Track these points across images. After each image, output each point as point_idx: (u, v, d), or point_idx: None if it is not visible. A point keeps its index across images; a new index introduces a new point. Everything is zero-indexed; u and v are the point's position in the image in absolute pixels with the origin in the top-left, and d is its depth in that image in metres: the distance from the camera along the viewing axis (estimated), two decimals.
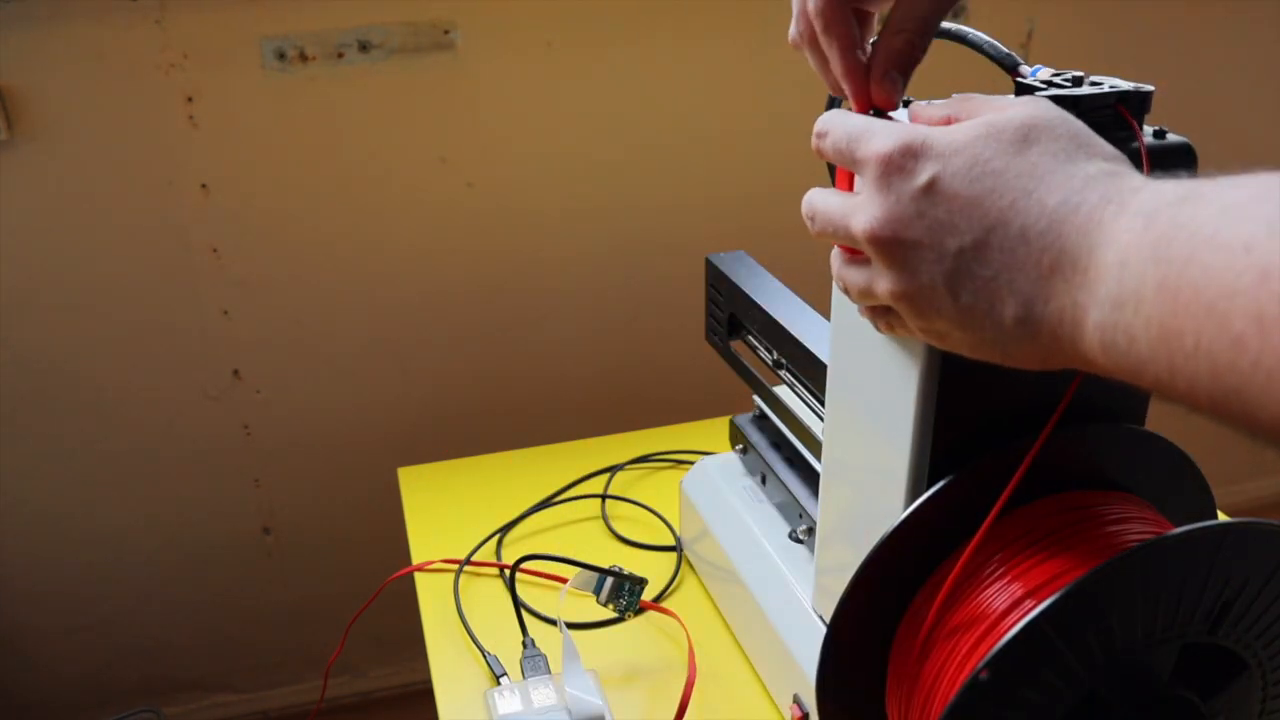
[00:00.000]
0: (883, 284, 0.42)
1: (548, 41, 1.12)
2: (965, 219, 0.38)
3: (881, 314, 0.46)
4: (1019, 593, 0.45)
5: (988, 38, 0.49)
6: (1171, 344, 0.31)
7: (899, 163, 0.39)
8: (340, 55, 1.06)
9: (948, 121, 0.42)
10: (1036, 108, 0.40)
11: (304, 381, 1.21)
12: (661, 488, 0.97)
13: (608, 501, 0.96)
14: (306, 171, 1.11)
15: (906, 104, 0.48)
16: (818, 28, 0.47)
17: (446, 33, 1.08)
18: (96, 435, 1.17)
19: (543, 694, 0.71)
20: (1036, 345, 0.37)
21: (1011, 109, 0.40)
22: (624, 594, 0.76)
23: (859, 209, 0.41)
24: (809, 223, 0.46)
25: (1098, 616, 0.41)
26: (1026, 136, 0.38)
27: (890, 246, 0.40)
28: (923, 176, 0.39)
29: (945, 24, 0.50)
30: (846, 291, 0.46)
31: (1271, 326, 0.28)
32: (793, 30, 0.49)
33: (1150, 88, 0.46)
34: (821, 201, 0.45)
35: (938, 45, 0.50)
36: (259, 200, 1.11)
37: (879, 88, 0.47)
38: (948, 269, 0.39)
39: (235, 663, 1.36)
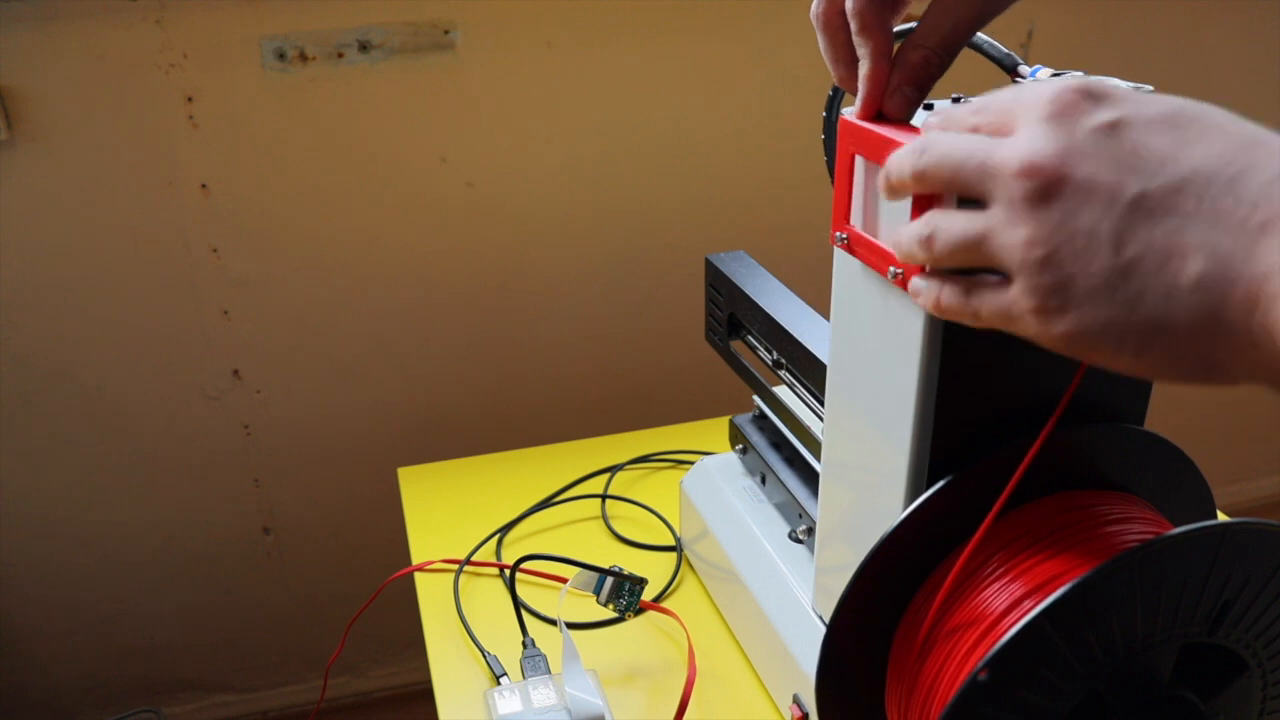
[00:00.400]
0: (1013, 233, 0.35)
1: (548, 41, 1.12)
2: (1156, 161, 0.33)
3: (963, 284, 0.39)
4: (1019, 593, 0.45)
5: (988, 38, 0.49)
6: None
7: (1075, 101, 0.34)
8: (340, 55, 1.06)
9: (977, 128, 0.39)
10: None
11: (304, 381, 1.21)
12: (661, 488, 0.97)
13: (608, 501, 0.96)
14: (306, 171, 1.11)
15: (929, 107, 0.48)
16: (854, 27, 0.46)
17: (446, 33, 1.08)
18: (96, 435, 1.17)
19: (543, 694, 0.71)
20: (1210, 316, 0.32)
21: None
22: (624, 594, 0.76)
23: (1009, 144, 0.35)
24: (915, 159, 0.39)
25: (1098, 616, 0.41)
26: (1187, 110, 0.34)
27: (1051, 182, 0.34)
28: (1107, 114, 0.34)
29: None
30: (923, 247, 0.40)
31: None
32: (817, 7, 0.48)
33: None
34: (947, 139, 0.39)
35: None
36: (259, 200, 1.11)
37: (890, 101, 0.46)
38: (1120, 214, 0.33)
39: (235, 663, 1.36)
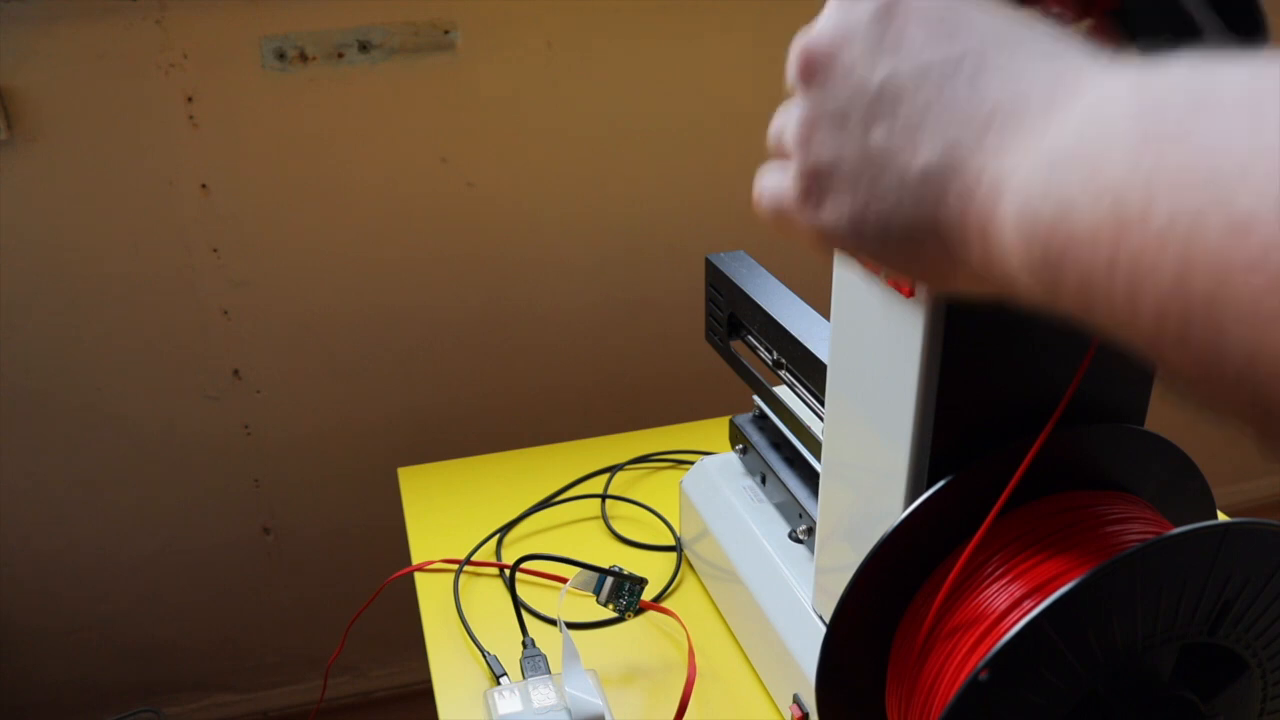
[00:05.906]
0: (790, 113, 0.35)
1: (548, 41, 1.12)
2: (914, 47, 0.32)
3: (776, 190, 0.38)
4: (1019, 593, 0.45)
5: None
6: (1128, 218, 0.23)
7: None
8: (340, 55, 1.06)
9: None
10: None
11: (304, 381, 1.21)
12: (661, 488, 0.97)
13: (608, 501, 0.96)
14: (306, 171, 1.11)
15: None
16: None
17: (446, 33, 1.08)
18: (96, 435, 1.17)
19: (543, 694, 0.71)
20: (930, 211, 0.31)
21: None
22: (624, 594, 0.76)
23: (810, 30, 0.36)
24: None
25: (1098, 616, 0.41)
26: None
27: (822, 62, 0.34)
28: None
29: None
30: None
31: None
32: None
33: None
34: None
35: None
36: (259, 200, 1.11)
37: None
38: (870, 98, 0.32)
39: (235, 663, 1.36)
